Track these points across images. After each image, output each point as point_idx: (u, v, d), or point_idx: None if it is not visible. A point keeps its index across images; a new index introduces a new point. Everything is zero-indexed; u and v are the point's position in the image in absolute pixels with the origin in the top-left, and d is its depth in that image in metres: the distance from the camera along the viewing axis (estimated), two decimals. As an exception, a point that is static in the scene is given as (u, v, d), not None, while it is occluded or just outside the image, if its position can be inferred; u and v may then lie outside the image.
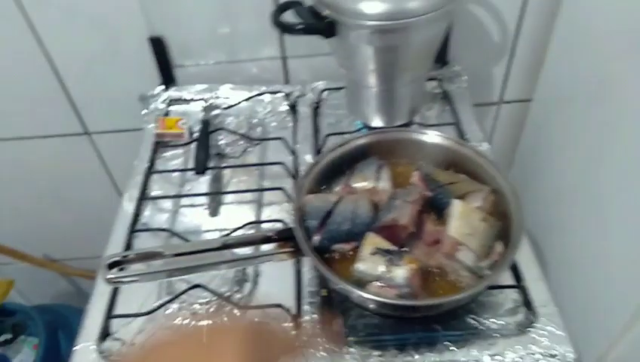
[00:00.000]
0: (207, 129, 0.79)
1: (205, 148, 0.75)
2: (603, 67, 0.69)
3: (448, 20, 0.64)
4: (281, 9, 0.65)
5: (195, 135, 0.80)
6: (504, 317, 0.57)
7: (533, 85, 0.92)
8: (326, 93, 0.87)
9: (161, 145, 0.80)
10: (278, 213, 0.69)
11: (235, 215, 0.70)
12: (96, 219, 0.87)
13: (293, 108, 0.85)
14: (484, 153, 0.63)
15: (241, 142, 0.80)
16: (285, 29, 0.65)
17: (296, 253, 0.55)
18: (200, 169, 0.72)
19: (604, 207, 0.72)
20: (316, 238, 0.56)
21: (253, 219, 0.68)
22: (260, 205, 0.71)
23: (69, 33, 0.85)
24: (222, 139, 0.80)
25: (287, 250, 0.55)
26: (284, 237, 0.56)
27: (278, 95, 0.87)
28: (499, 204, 0.58)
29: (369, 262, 0.52)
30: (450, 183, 0.60)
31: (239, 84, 0.88)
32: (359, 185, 0.62)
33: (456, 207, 0.55)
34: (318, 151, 0.77)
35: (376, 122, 0.77)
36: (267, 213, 0.69)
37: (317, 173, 0.62)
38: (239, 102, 0.85)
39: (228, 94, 0.87)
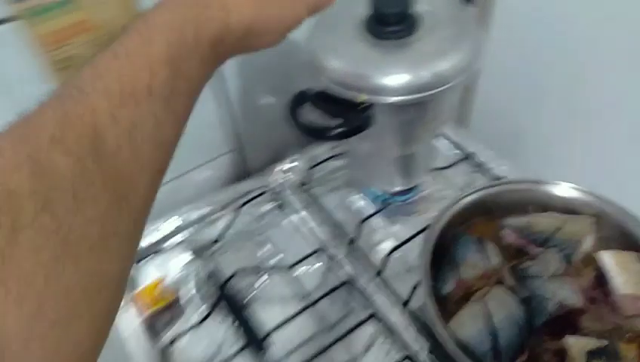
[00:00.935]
0: (226, 284, 0.58)
1: (242, 313, 0.55)
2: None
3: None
4: (297, 104, 0.50)
5: (193, 294, 0.59)
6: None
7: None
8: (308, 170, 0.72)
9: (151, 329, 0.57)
10: (381, 352, 0.54)
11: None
12: None
13: (281, 205, 0.69)
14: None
15: (259, 274, 0.62)
16: (316, 134, 0.49)
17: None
18: (259, 344, 0.53)
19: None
20: (500, 370, 0.44)
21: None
22: (348, 347, 0.55)
23: None
24: (235, 284, 0.60)
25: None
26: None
27: (260, 197, 0.69)
28: (613, 228, 0.53)
29: (588, 373, 0.43)
30: (558, 229, 0.54)
31: (196, 199, 0.68)
32: (473, 276, 0.51)
33: (610, 260, 0.49)
34: (350, 242, 0.63)
35: (397, 187, 0.66)
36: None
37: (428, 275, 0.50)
38: (227, 228, 0.66)
39: (189, 216, 0.66)
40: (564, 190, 0.55)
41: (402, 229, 0.65)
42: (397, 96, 0.48)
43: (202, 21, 0.29)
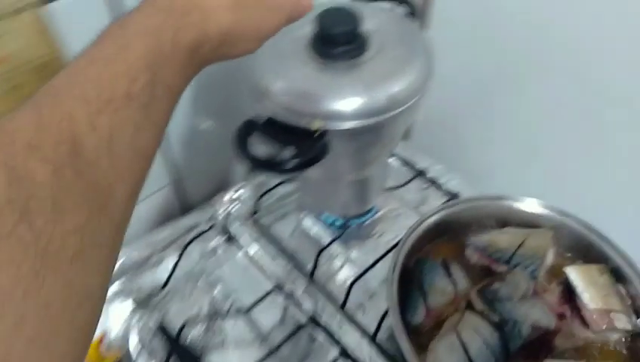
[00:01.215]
0: (178, 335, 0.52)
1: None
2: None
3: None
4: (245, 135, 0.45)
5: (141, 349, 0.53)
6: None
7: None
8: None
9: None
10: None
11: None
12: None
13: (230, 237, 0.64)
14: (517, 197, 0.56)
15: (212, 320, 0.57)
16: (269, 168, 0.45)
17: None
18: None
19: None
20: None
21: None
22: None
23: None
24: (187, 333, 0.55)
25: None
26: None
27: (206, 233, 0.64)
28: (572, 240, 0.53)
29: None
30: (520, 245, 0.53)
31: (134, 240, 0.62)
32: (442, 303, 0.49)
33: (575, 275, 0.49)
34: (309, 275, 0.59)
35: (351, 211, 0.64)
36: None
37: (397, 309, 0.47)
38: (173, 270, 0.60)
39: (128, 260, 0.60)
40: (521, 204, 0.55)
41: (361, 255, 0.62)
42: (353, 120, 0.45)
43: (180, 27, 0.29)
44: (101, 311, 0.25)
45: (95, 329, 0.24)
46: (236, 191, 0.68)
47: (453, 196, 0.67)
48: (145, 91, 0.26)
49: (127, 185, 0.26)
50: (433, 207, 0.62)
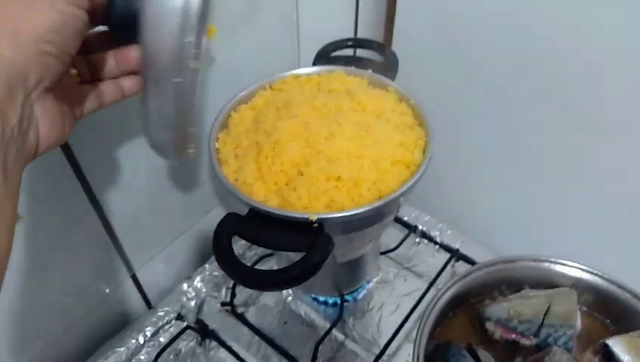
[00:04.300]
0: None
1: None
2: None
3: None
4: (228, 236, 0.37)
5: None
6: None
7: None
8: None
9: None
10: None
11: None
12: None
13: (204, 332, 0.55)
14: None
15: None
16: (264, 283, 0.37)
17: None
18: None
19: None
20: None
21: None
22: None
23: None
24: None
25: None
26: None
27: (179, 335, 0.54)
28: (592, 296, 0.48)
29: None
30: (546, 313, 0.47)
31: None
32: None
33: (621, 348, 0.43)
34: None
35: (344, 290, 0.56)
36: None
37: None
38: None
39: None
40: (539, 264, 0.49)
41: (365, 338, 0.54)
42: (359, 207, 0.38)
43: None
44: None
45: None
46: (203, 274, 0.58)
47: (450, 250, 0.61)
48: None
49: None
50: (429, 266, 0.59)
